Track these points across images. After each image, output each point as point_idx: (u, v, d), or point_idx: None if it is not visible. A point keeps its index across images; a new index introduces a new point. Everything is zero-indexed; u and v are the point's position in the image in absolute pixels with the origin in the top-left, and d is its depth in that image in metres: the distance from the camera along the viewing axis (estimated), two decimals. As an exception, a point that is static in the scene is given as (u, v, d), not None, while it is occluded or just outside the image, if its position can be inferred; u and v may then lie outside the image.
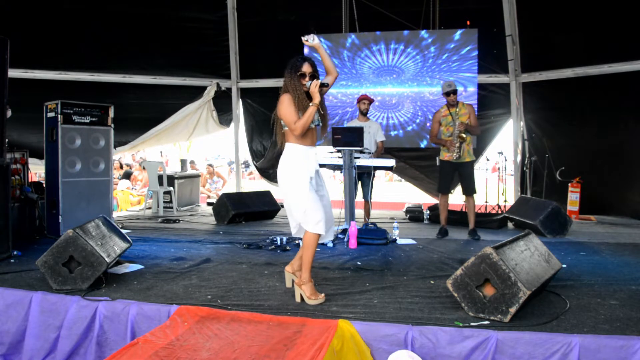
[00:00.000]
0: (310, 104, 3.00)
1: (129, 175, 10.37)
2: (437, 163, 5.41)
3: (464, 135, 5.07)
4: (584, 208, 6.98)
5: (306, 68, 3.05)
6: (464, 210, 6.52)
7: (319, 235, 3.03)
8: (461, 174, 5.27)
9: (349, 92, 8.22)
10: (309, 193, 3.01)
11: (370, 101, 6.11)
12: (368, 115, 6.19)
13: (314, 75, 3.05)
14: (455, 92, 5.16)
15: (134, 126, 8.20)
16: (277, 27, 8.43)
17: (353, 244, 4.77)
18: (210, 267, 3.91)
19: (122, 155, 11.25)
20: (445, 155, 5.26)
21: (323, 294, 3.03)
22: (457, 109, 5.17)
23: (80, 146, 5.25)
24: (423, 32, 7.86)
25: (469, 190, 5.27)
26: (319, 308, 2.87)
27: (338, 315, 2.70)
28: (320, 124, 3.14)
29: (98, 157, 5.41)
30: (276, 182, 8.82)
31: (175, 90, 8.56)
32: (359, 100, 6.11)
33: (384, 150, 6.56)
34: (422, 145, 8.10)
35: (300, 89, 3.03)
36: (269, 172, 8.92)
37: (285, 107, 3.04)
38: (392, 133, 8.12)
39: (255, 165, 9.15)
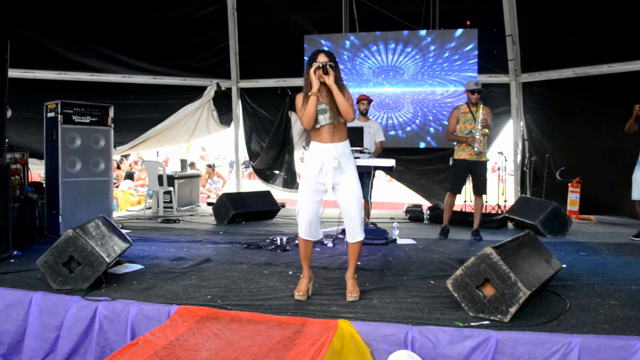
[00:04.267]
0: (309, 94, 2.92)
1: (132, 176, 10.36)
2: (451, 162, 5.37)
3: (487, 130, 5.06)
4: (584, 208, 6.97)
5: (321, 58, 2.94)
6: (464, 210, 6.53)
7: (302, 238, 3.10)
8: (475, 174, 5.23)
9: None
10: (302, 193, 3.08)
11: (369, 101, 6.09)
12: (368, 115, 6.18)
13: (331, 66, 2.92)
14: (481, 91, 5.14)
15: (134, 126, 8.19)
16: (277, 27, 8.43)
17: (353, 244, 4.76)
18: (210, 267, 3.91)
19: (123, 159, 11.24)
20: (460, 155, 5.22)
21: (300, 293, 3.03)
22: (478, 109, 5.15)
23: (80, 146, 5.24)
24: (423, 32, 7.86)
25: (480, 190, 5.24)
26: (319, 308, 2.87)
27: (338, 315, 2.70)
28: (329, 122, 2.96)
29: (98, 157, 5.40)
30: (271, 183, 8.81)
31: (175, 90, 8.56)
32: (358, 100, 6.08)
33: (383, 151, 6.55)
34: (422, 145, 8.10)
35: (308, 82, 2.96)
36: (265, 173, 8.88)
37: (297, 103, 3.02)
38: (392, 133, 8.11)
39: (252, 166, 9.11)
